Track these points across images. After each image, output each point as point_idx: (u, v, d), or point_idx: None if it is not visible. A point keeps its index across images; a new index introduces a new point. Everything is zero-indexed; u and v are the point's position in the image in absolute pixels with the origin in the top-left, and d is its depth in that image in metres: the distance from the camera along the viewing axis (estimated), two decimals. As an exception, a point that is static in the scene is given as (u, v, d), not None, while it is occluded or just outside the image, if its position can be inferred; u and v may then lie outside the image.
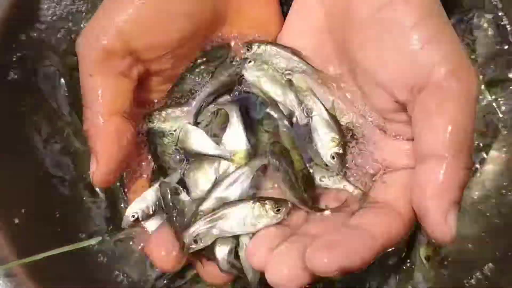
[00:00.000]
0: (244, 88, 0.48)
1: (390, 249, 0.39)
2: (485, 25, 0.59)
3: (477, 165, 0.59)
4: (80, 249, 0.48)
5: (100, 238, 0.47)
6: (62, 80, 0.58)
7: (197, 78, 0.48)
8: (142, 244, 0.44)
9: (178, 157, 0.46)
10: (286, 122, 0.46)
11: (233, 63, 0.48)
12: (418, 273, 0.57)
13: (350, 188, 0.44)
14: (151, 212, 0.44)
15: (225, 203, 0.42)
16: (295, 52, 0.47)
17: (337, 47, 0.45)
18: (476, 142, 0.59)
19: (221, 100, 0.48)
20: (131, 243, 0.60)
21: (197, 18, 0.45)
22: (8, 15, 0.53)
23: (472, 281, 0.54)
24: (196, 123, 0.47)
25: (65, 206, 0.57)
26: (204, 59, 0.48)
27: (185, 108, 0.47)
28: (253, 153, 0.45)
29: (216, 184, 0.43)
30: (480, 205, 0.58)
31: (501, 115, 0.59)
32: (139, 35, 0.42)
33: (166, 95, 0.48)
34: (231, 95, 0.48)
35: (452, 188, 0.36)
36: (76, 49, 0.43)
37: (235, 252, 0.43)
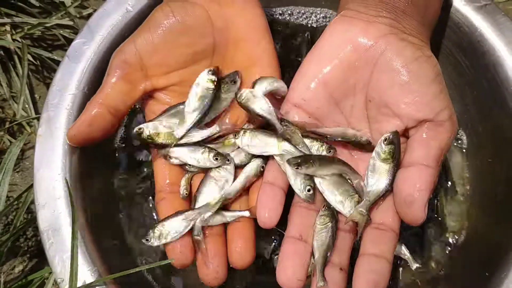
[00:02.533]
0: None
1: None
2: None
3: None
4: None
5: (173, 259, 0.56)
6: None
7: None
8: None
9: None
10: None
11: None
12: None
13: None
14: None
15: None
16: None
17: (360, 83, 0.56)
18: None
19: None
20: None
21: (198, 47, 0.59)
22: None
23: None
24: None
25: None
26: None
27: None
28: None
29: None
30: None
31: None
32: (150, 54, 0.58)
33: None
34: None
35: (431, 188, 0.51)
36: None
37: None
